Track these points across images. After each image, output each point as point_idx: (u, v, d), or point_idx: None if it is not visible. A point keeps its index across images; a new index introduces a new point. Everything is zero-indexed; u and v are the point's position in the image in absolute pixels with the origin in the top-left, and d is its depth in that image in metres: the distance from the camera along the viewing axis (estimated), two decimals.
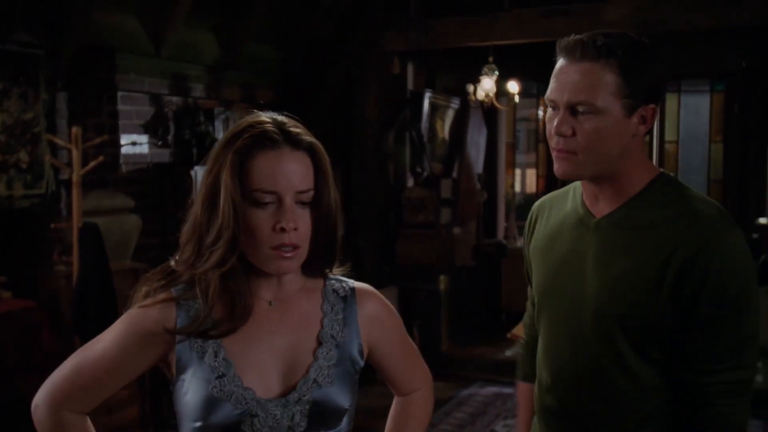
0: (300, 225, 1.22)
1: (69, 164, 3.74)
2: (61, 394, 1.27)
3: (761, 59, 6.73)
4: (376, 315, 1.37)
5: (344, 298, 1.35)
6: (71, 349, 3.68)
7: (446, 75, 7.17)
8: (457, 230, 6.85)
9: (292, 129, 1.24)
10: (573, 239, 1.53)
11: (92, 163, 3.76)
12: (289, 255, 1.22)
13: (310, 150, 1.25)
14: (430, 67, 6.83)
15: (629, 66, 1.38)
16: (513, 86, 6.09)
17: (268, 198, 1.21)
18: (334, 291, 1.35)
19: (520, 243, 7.22)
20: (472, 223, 7.30)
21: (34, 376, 3.63)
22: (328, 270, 1.35)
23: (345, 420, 1.31)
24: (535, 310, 1.66)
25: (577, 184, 1.59)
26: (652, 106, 1.42)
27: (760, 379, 5.47)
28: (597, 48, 1.38)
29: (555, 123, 1.42)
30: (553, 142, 1.44)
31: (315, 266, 1.32)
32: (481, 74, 5.96)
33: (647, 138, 7.25)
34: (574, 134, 1.41)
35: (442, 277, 6.22)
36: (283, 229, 1.20)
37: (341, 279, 1.38)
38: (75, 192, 3.68)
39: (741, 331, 1.38)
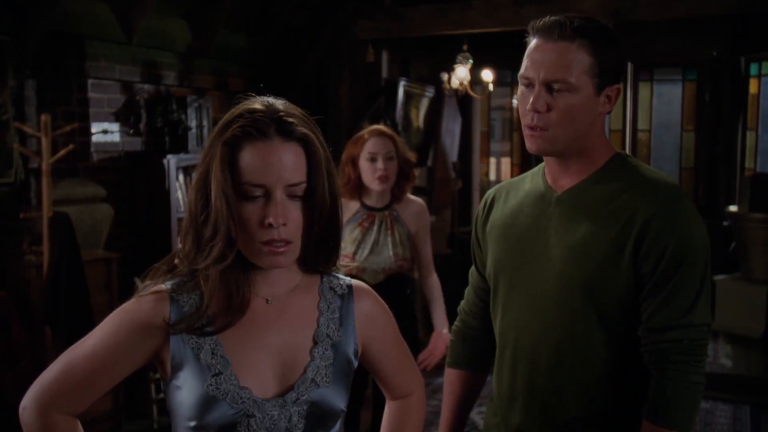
0: (290, 220, 1.17)
1: (38, 152, 3.69)
2: (50, 395, 1.22)
3: (731, 48, 6.81)
4: (372, 314, 1.35)
5: (341, 296, 1.32)
6: (42, 341, 3.66)
7: (420, 63, 7.16)
8: (432, 218, 6.85)
9: (285, 118, 1.18)
10: (535, 214, 1.58)
11: (62, 152, 3.71)
12: (281, 250, 1.17)
13: (303, 141, 1.19)
14: (404, 55, 6.82)
15: (600, 47, 1.46)
16: (487, 75, 6.09)
17: (257, 191, 1.16)
18: (332, 289, 1.32)
19: None
20: (447, 211, 7.32)
21: (3, 367, 3.59)
22: (327, 266, 1.31)
23: (339, 422, 1.30)
24: (491, 290, 1.68)
25: (535, 170, 1.65)
26: (616, 86, 1.52)
27: (730, 365, 5.56)
28: (573, 29, 1.45)
29: (531, 99, 1.48)
30: (527, 118, 1.50)
31: (311, 262, 1.28)
32: (456, 63, 5.95)
33: (621, 127, 7.32)
34: (548, 110, 1.47)
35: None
36: (270, 225, 1.15)
37: (339, 276, 1.34)
38: (45, 181, 3.62)
39: (693, 290, 1.44)
